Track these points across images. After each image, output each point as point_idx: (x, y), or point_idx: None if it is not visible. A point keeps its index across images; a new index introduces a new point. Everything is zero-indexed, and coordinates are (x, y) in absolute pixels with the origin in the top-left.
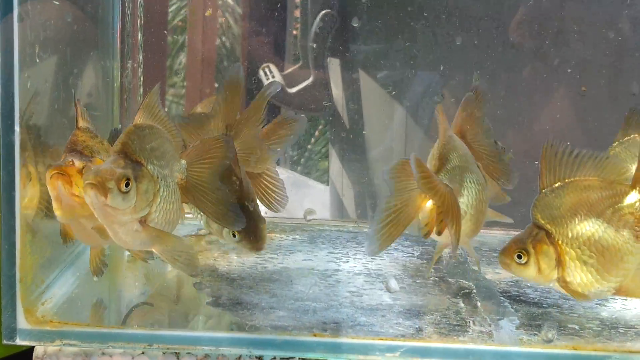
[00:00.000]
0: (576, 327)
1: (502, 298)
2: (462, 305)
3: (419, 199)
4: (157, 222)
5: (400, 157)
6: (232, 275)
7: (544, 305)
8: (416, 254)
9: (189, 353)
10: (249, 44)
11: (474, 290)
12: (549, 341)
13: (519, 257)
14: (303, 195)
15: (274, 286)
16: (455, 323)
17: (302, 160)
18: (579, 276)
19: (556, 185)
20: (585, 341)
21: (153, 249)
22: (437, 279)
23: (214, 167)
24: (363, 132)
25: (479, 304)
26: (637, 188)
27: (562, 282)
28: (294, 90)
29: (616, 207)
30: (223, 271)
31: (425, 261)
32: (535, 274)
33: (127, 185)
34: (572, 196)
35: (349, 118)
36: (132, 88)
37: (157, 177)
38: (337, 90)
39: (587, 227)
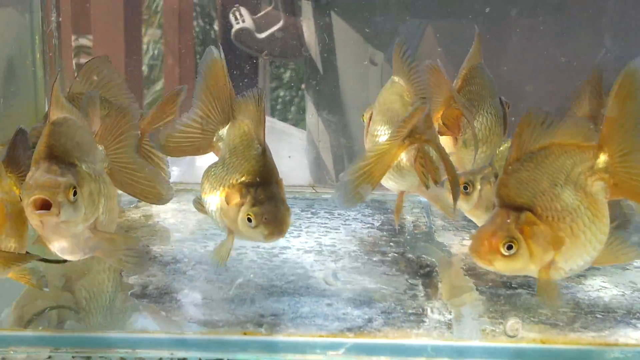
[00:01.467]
0: (548, 312)
1: (467, 277)
2: (421, 288)
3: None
4: (105, 223)
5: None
6: (166, 257)
7: (513, 286)
8: (377, 224)
9: (102, 357)
10: None
11: (436, 269)
12: (513, 336)
13: (509, 247)
14: (282, 141)
15: (211, 270)
16: (411, 312)
17: (278, 106)
18: (574, 253)
19: (524, 157)
20: (557, 332)
21: (99, 254)
22: (396, 254)
23: (129, 142)
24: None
25: (440, 286)
26: (604, 148)
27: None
28: (263, 35)
29: (590, 170)
30: (156, 252)
31: (385, 233)
32: (526, 263)
33: (74, 194)
34: (547, 165)
35: (322, 64)
36: (61, 46)
37: (95, 175)
38: (310, 35)
39: (572, 197)
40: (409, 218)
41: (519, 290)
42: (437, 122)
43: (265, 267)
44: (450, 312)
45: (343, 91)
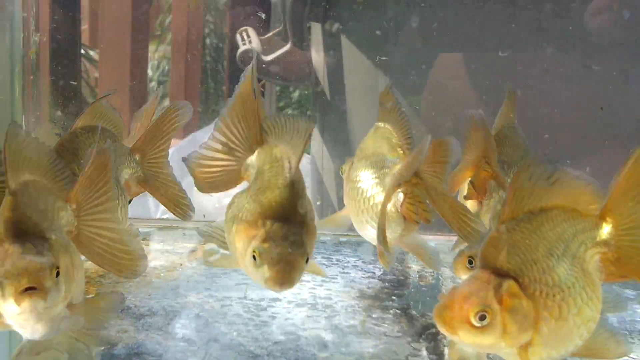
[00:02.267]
0: None
1: None
2: (424, 354)
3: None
4: (76, 295)
5: None
6: (141, 308)
7: None
8: (378, 273)
9: None
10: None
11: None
12: None
13: (482, 317)
14: None
15: (190, 325)
16: None
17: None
18: (557, 339)
19: (521, 217)
20: None
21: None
22: (398, 311)
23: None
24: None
25: (446, 351)
26: (607, 219)
27: (523, 349)
28: (269, 58)
29: (592, 241)
30: (130, 303)
31: (387, 284)
32: (497, 340)
33: (57, 274)
34: (546, 230)
35: (330, 90)
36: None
37: (65, 245)
38: (318, 57)
39: (567, 272)
40: (414, 267)
41: None
42: (464, 182)
43: (251, 323)
44: None
45: (349, 118)
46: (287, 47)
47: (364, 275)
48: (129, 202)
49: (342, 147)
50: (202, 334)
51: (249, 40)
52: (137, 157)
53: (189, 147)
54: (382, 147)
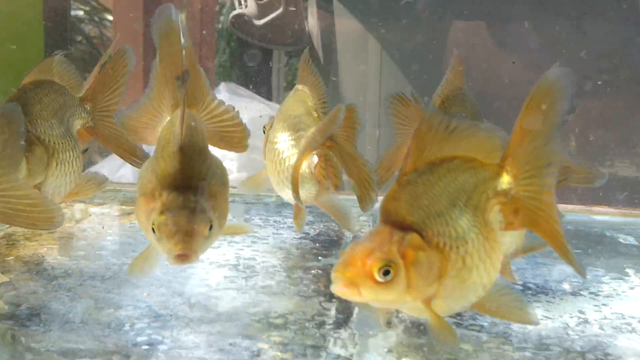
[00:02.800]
0: (470, 349)
1: None
2: (332, 314)
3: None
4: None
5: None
6: (57, 270)
7: None
8: (312, 233)
9: None
10: None
11: None
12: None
13: (386, 272)
14: None
15: (102, 287)
16: (310, 343)
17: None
18: (460, 290)
19: (422, 169)
20: None
21: None
22: (320, 271)
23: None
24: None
25: (355, 311)
26: (507, 168)
27: (427, 302)
28: (261, 22)
29: (488, 194)
30: (47, 265)
31: (318, 244)
32: (401, 295)
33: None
34: (449, 182)
35: (323, 54)
36: None
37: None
38: (313, 23)
39: (470, 224)
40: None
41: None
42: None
43: (166, 284)
44: (355, 345)
45: (341, 83)
46: (280, 11)
47: (296, 236)
48: (84, 151)
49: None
50: (111, 294)
51: (245, 4)
52: (88, 106)
53: None
54: (299, 110)
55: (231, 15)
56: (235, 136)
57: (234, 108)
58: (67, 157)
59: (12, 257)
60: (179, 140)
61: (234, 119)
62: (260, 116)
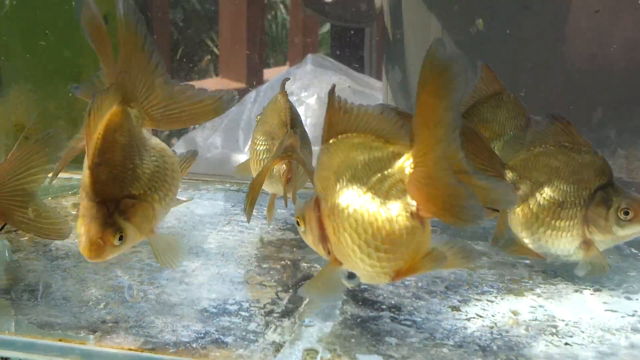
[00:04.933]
0: (393, 341)
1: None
2: (283, 303)
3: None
4: None
5: None
6: (60, 252)
7: (382, 307)
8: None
9: None
10: None
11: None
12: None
13: (298, 224)
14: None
15: (92, 269)
16: (252, 329)
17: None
18: (344, 255)
19: (330, 141)
20: None
21: None
22: (289, 262)
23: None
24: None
25: (304, 302)
26: (414, 148)
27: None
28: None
29: (387, 172)
30: (57, 246)
31: (299, 236)
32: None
33: None
34: (340, 156)
35: (392, 31)
36: None
37: None
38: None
39: (350, 196)
40: None
41: (383, 314)
42: None
43: (146, 269)
44: (292, 334)
45: (408, 60)
46: None
47: (283, 227)
48: None
49: (403, 87)
50: (97, 276)
51: None
52: None
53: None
54: (274, 120)
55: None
56: (207, 108)
57: (192, 86)
58: None
59: (25, 238)
60: (91, 156)
61: (197, 94)
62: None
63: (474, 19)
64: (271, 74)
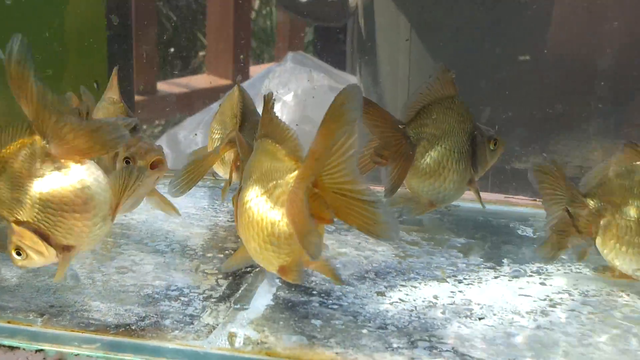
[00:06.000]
0: (317, 324)
1: (277, 280)
2: (221, 289)
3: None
4: None
5: None
6: None
7: (313, 293)
8: None
9: None
10: None
11: (257, 269)
12: None
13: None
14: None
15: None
16: (189, 312)
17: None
18: (244, 241)
19: (259, 140)
20: (302, 344)
21: None
22: (232, 252)
23: None
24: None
25: (242, 287)
26: (302, 166)
27: None
28: None
29: (280, 181)
30: None
31: None
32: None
33: None
34: (257, 155)
35: (365, 30)
36: None
37: None
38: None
39: (252, 193)
40: None
41: (313, 299)
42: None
43: (99, 257)
44: (225, 317)
45: (379, 57)
46: None
47: (231, 219)
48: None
49: (375, 86)
50: (50, 265)
51: None
52: None
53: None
54: (227, 111)
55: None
56: (104, 138)
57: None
58: None
59: None
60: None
61: (93, 125)
62: (314, 88)
63: (441, 19)
64: (258, 71)
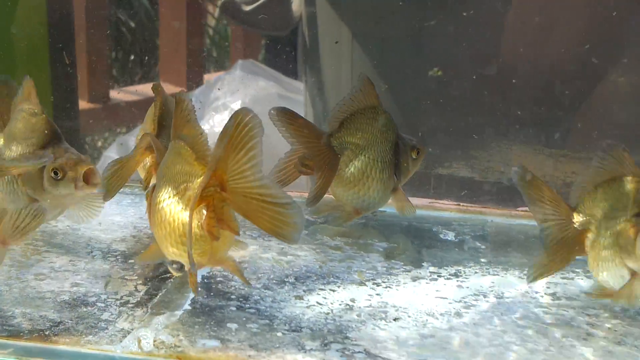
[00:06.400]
0: (233, 328)
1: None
2: (140, 294)
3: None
4: None
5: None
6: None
7: (231, 297)
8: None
9: None
10: None
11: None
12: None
13: None
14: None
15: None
16: (105, 318)
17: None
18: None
19: (173, 142)
20: (216, 347)
21: None
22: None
23: None
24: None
25: (160, 294)
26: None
27: None
28: (249, 8)
29: (189, 184)
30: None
31: None
32: None
33: None
34: (170, 157)
35: (309, 39)
36: None
37: None
38: (297, 8)
39: (163, 193)
40: None
41: (231, 303)
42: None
43: (35, 262)
44: (141, 322)
45: (323, 67)
46: None
47: None
48: None
49: (320, 96)
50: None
51: None
52: None
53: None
54: (149, 118)
55: (221, 0)
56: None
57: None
58: None
59: None
60: None
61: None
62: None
63: (382, 25)
64: (210, 79)
